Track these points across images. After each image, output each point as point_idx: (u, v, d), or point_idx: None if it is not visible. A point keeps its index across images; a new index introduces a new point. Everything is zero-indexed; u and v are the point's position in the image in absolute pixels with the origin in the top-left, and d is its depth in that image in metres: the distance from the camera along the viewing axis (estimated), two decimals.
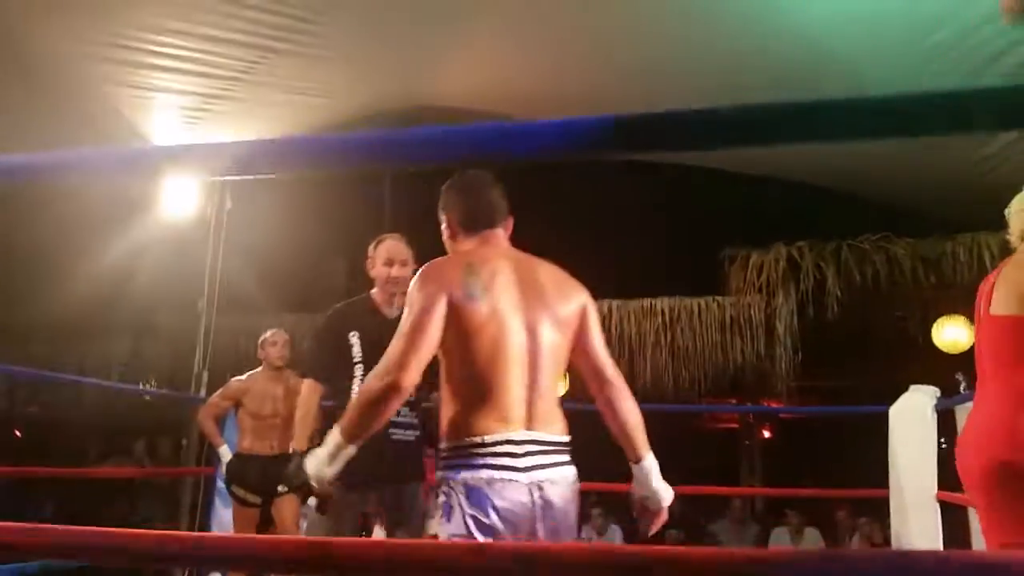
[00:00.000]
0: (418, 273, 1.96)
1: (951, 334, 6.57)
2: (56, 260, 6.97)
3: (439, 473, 1.88)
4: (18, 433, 9.73)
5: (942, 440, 3.57)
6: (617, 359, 7.70)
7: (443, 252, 2.19)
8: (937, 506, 3.34)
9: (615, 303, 7.33)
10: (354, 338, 2.91)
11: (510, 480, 1.80)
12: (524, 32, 5.07)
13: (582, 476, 2.09)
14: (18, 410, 9.02)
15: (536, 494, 1.82)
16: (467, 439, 1.83)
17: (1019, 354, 2.18)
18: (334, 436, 1.86)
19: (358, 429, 1.84)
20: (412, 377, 1.80)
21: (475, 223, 2.11)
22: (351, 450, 1.86)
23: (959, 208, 6.36)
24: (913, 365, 5.93)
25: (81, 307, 7.32)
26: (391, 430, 2.83)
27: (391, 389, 1.78)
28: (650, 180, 8.19)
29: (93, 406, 8.16)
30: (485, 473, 1.79)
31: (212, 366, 5.64)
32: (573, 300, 2.06)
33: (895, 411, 3.70)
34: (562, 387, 7.47)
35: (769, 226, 7.44)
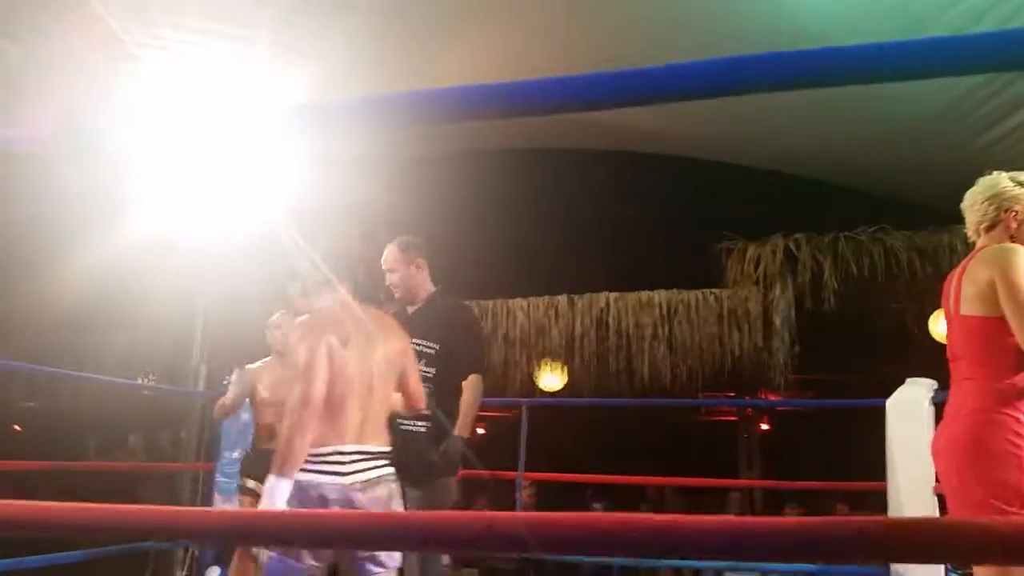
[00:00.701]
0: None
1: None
2: (52, 253, 6.95)
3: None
4: (17, 428, 9.73)
5: None
6: (615, 352, 7.71)
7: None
8: (935, 498, 3.35)
9: (612, 296, 7.33)
10: None
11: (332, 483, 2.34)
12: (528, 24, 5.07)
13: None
14: (16, 404, 9.01)
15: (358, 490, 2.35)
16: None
17: (991, 353, 2.27)
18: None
19: None
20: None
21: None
22: None
23: (955, 200, 6.35)
24: (910, 357, 5.94)
25: (78, 301, 7.31)
26: (398, 420, 2.93)
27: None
28: (647, 173, 8.19)
29: (91, 400, 8.16)
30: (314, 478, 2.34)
31: (210, 359, 5.64)
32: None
33: (892, 403, 3.71)
34: (559, 382, 7.48)
35: (766, 218, 7.44)
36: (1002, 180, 2.45)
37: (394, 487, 2.45)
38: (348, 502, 2.33)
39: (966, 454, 2.21)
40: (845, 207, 7.38)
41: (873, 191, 7.36)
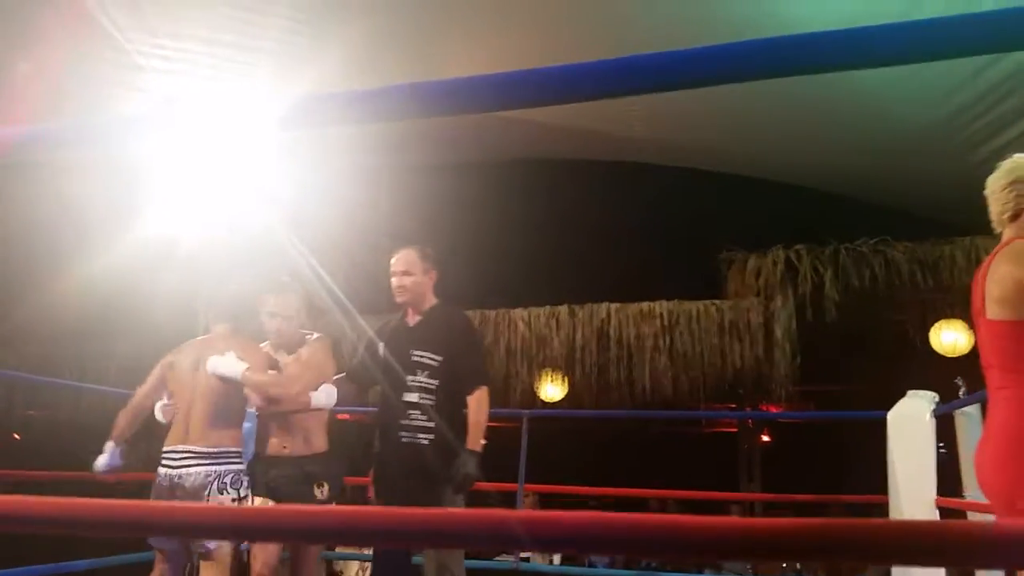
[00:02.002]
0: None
1: (949, 338, 6.57)
2: (55, 263, 6.96)
3: None
4: (17, 436, 9.70)
5: (941, 445, 3.56)
6: (616, 363, 7.68)
7: None
8: (936, 512, 3.34)
9: (613, 307, 7.32)
10: (382, 348, 3.25)
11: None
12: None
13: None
14: (17, 413, 8.99)
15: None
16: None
17: (1023, 360, 2.05)
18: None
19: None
20: None
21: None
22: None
23: (956, 211, 6.37)
24: (912, 369, 5.93)
25: (81, 310, 7.31)
26: (401, 433, 3.02)
27: None
28: (648, 183, 8.20)
29: (92, 409, 8.13)
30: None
31: None
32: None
33: (893, 416, 3.69)
34: (560, 393, 7.46)
35: (767, 229, 7.44)
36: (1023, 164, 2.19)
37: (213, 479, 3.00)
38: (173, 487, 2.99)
39: (1006, 471, 2.04)
40: (846, 218, 7.39)
41: (874, 202, 7.36)
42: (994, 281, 2.10)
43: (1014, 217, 2.17)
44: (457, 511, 1.15)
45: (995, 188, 2.21)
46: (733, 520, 0.91)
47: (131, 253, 6.30)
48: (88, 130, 1.24)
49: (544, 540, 0.93)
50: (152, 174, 5.47)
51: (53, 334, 8.09)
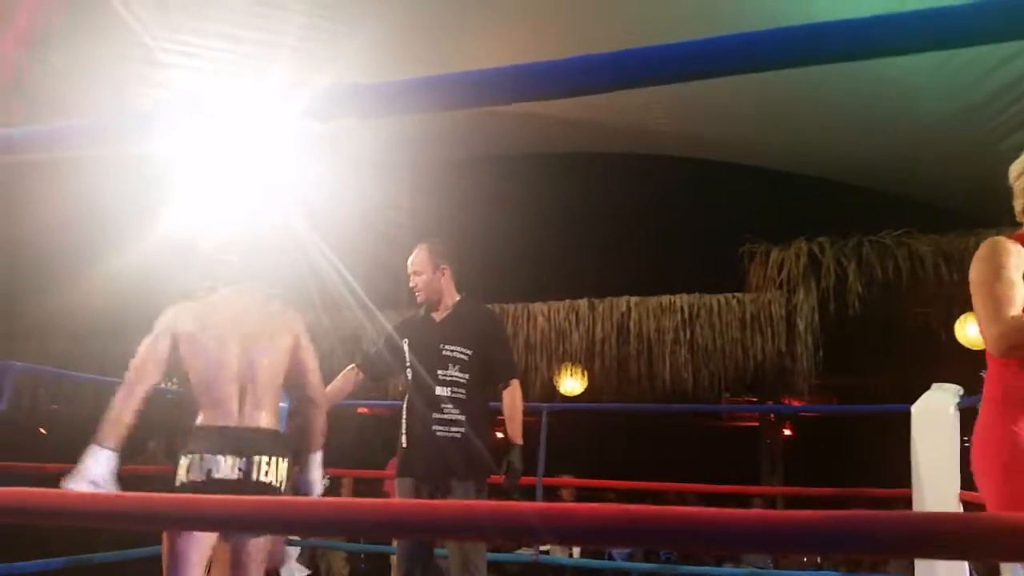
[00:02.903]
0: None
1: (974, 331, 6.49)
2: (80, 260, 7.03)
3: None
4: (43, 431, 9.84)
5: (965, 439, 3.52)
6: (636, 356, 7.66)
7: None
8: (960, 506, 3.30)
9: (634, 300, 7.30)
10: (404, 343, 3.23)
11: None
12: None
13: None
14: (41, 408, 9.11)
15: None
16: None
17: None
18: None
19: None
20: None
21: None
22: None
23: (981, 203, 6.28)
24: (936, 362, 5.86)
25: (102, 304, 7.39)
26: (434, 427, 3.05)
27: None
28: (669, 176, 8.16)
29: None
30: None
31: None
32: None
33: (917, 409, 3.66)
34: (580, 387, 7.45)
35: (789, 221, 7.39)
36: None
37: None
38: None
39: (993, 448, 2.09)
40: (869, 210, 7.31)
41: (898, 194, 7.28)
42: None
43: None
44: (476, 503, 1.16)
45: (1017, 176, 2.17)
46: (750, 512, 0.90)
47: (153, 250, 6.36)
48: (109, 127, 1.25)
49: (561, 532, 0.93)
50: (174, 171, 5.52)
51: (77, 331, 8.18)
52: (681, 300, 7.28)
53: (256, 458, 2.48)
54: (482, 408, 3.15)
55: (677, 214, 8.89)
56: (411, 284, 3.26)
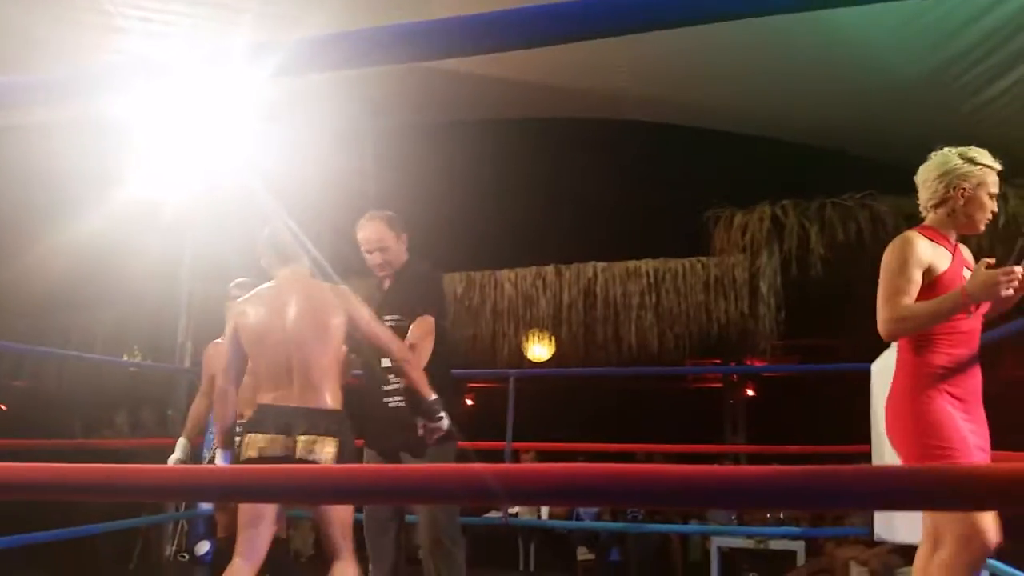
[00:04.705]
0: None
1: None
2: (38, 231, 6.88)
3: None
4: (3, 407, 9.68)
5: None
6: (603, 321, 7.69)
7: None
8: None
9: (600, 265, 7.33)
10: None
11: None
12: None
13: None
14: (3, 383, 8.97)
15: None
16: None
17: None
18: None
19: None
20: None
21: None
22: None
23: None
24: None
25: (64, 279, 7.25)
26: (384, 399, 3.01)
27: None
28: (633, 141, 8.15)
29: (78, 379, 8.12)
30: None
31: (195, 336, 5.61)
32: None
33: (877, 368, 3.73)
34: (547, 353, 7.49)
35: (753, 185, 7.43)
36: (952, 158, 2.51)
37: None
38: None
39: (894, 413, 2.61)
40: (834, 172, 7.36)
41: (861, 156, 7.34)
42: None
43: (937, 205, 2.53)
44: (434, 467, 1.16)
45: (926, 178, 2.55)
46: (712, 468, 0.91)
47: (114, 220, 6.24)
48: (61, 84, 1.21)
49: (519, 492, 0.94)
50: (132, 136, 5.40)
51: (38, 304, 8.03)
52: (647, 265, 7.33)
53: (302, 437, 2.60)
54: (428, 375, 2.95)
55: (643, 180, 8.90)
56: (376, 260, 3.15)
